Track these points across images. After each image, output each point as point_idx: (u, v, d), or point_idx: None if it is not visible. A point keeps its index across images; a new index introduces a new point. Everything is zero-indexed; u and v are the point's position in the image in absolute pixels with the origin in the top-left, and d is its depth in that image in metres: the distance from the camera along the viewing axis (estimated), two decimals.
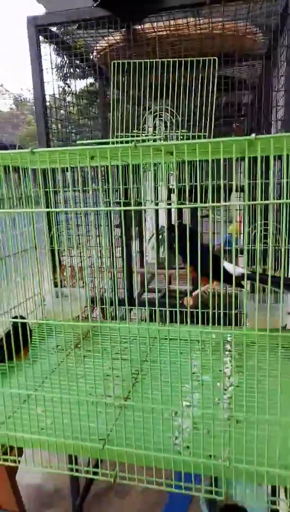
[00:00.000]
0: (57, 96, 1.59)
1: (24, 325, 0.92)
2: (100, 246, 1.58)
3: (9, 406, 0.91)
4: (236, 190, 1.27)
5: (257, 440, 0.69)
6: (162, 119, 1.27)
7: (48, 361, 1.11)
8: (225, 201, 0.63)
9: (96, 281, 1.53)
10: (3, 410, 0.90)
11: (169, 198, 1.75)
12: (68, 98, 1.91)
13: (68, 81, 3.26)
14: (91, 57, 1.73)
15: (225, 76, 1.75)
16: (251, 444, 0.70)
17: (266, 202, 0.65)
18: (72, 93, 2.01)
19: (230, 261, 1.06)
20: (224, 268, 0.77)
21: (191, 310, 0.69)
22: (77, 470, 0.76)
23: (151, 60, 1.29)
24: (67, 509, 2.18)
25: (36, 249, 1.04)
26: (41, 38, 1.46)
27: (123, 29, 1.49)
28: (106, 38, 1.59)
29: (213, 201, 0.65)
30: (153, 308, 1.32)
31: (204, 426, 0.80)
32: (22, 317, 1.08)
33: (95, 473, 0.73)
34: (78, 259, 1.55)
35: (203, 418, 0.83)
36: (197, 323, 0.72)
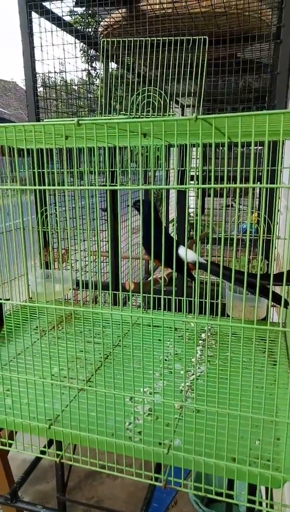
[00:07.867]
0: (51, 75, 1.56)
1: None
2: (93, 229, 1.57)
3: None
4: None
5: (210, 432, 0.68)
6: (150, 101, 1.24)
7: (22, 342, 1.12)
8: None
9: (79, 264, 1.53)
10: None
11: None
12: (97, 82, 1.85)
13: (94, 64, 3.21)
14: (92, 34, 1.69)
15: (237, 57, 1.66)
16: (200, 434, 0.69)
17: (220, 186, 0.63)
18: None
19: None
20: (178, 255, 0.74)
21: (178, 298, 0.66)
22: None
23: (141, 38, 1.25)
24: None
25: (23, 229, 1.04)
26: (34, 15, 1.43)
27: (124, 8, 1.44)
28: (107, 17, 1.54)
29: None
30: (134, 294, 1.30)
31: (159, 414, 0.80)
32: None
33: (42, 452, 0.74)
34: (67, 241, 1.55)
35: (163, 406, 0.82)
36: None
